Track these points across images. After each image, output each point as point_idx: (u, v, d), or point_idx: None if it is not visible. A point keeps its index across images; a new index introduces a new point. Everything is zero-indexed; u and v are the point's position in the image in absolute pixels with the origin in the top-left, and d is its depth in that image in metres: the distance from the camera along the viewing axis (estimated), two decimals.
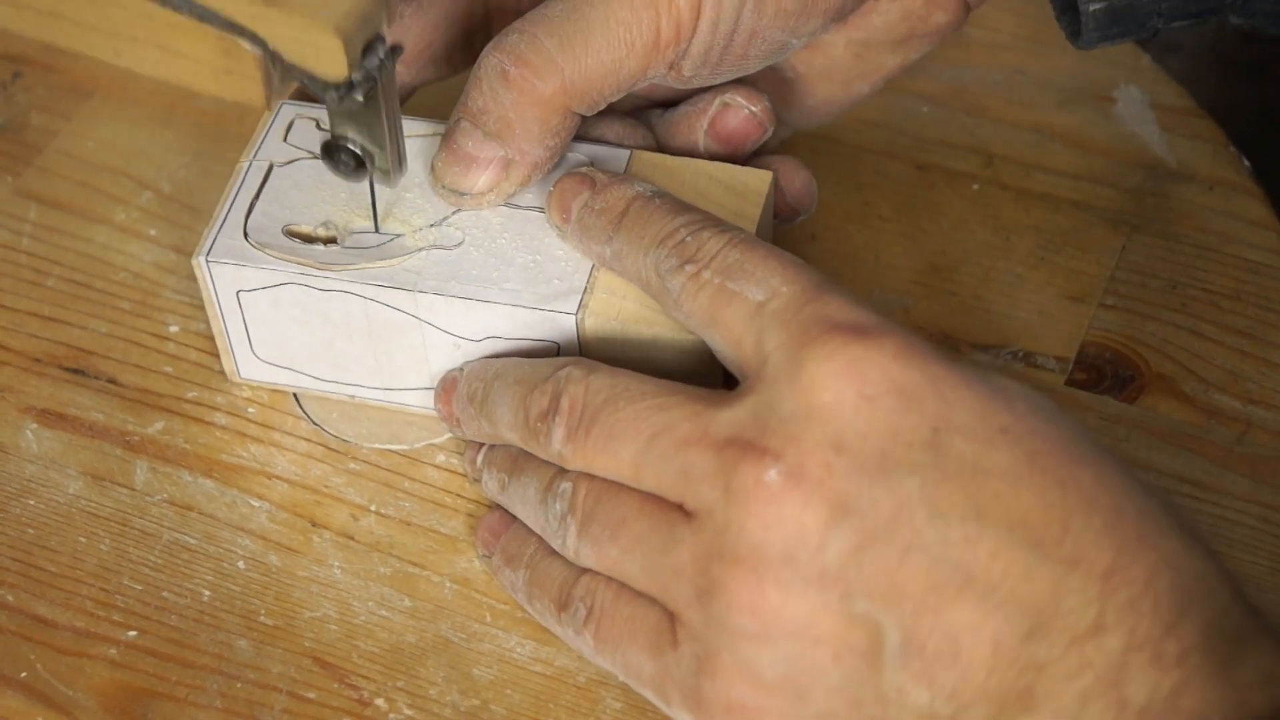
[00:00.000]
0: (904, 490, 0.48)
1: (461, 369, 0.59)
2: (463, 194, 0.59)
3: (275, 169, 0.61)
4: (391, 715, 0.56)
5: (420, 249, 0.59)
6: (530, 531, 0.57)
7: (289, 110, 0.63)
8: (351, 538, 0.61)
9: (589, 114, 0.59)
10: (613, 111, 0.62)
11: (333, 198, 0.60)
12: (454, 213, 0.60)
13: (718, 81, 0.60)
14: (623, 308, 0.57)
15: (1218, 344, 0.64)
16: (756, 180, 0.59)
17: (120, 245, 0.69)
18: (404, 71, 0.63)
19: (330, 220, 0.60)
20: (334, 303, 0.59)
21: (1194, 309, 0.65)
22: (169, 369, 0.65)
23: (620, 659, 0.54)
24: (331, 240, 0.59)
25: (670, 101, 0.63)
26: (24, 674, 0.58)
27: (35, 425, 0.64)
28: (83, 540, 0.61)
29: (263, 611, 0.59)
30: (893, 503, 0.48)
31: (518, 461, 0.57)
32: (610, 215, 0.57)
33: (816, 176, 0.65)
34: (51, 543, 0.61)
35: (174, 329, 0.66)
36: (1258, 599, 0.57)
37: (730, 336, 0.52)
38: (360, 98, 0.54)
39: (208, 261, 0.59)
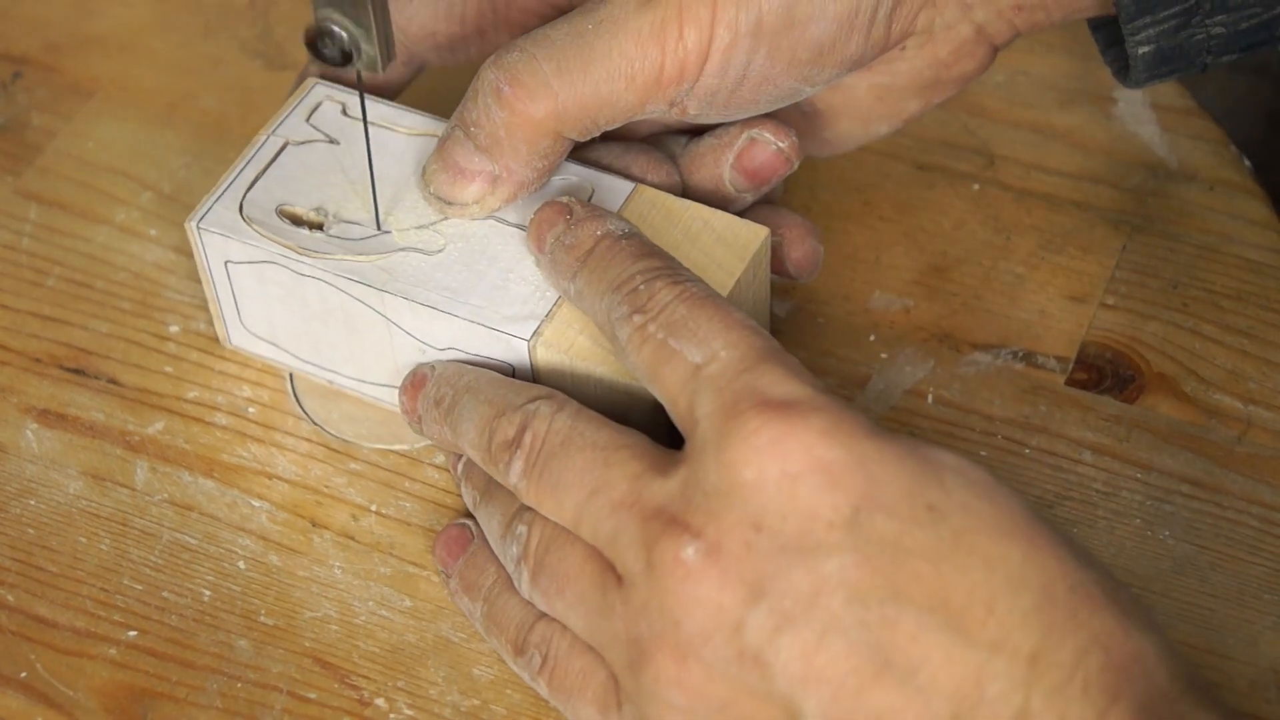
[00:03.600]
0: (822, 571, 0.47)
1: (434, 367, 0.58)
2: (449, 203, 0.59)
3: (289, 147, 0.61)
4: (392, 715, 0.56)
5: (401, 249, 0.59)
6: (489, 558, 0.57)
7: (320, 91, 0.63)
8: (352, 538, 0.60)
9: (582, 140, 0.58)
10: (640, 144, 0.61)
11: (333, 184, 0.60)
12: (442, 219, 0.60)
13: (727, 120, 0.59)
14: (576, 342, 0.56)
15: (1218, 344, 0.64)
16: (749, 235, 0.58)
17: (121, 245, 0.69)
18: (403, 52, 0.63)
19: (323, 206, 0.60)
20: (311, 288, 0.59)
21: (1195, 309, 0.65)
22: (169, 369, 0.65)
23: (573, 711, 0.53)
24: (318, 226, 0.60)
25: (696, 128, 0.62)
26: (24, 674, 0.58)
27: (35, 425, 0.64)
28: (83, 540, 0.61)
29: (263, 611, 0.59)
30: (811, 583, 0.47)
31: (489, 486, 0.57)
32: (578, 252, 0.56)
33: (818, 177, 0.65)
34: (52, 543, 0.61)
35: (174, 329, 0.66)
36: (1258, 599, 0.58)
37: (668, 395, 0.51)
38: None
39: (198, 228, 0.60)
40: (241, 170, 0.61)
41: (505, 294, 0.58)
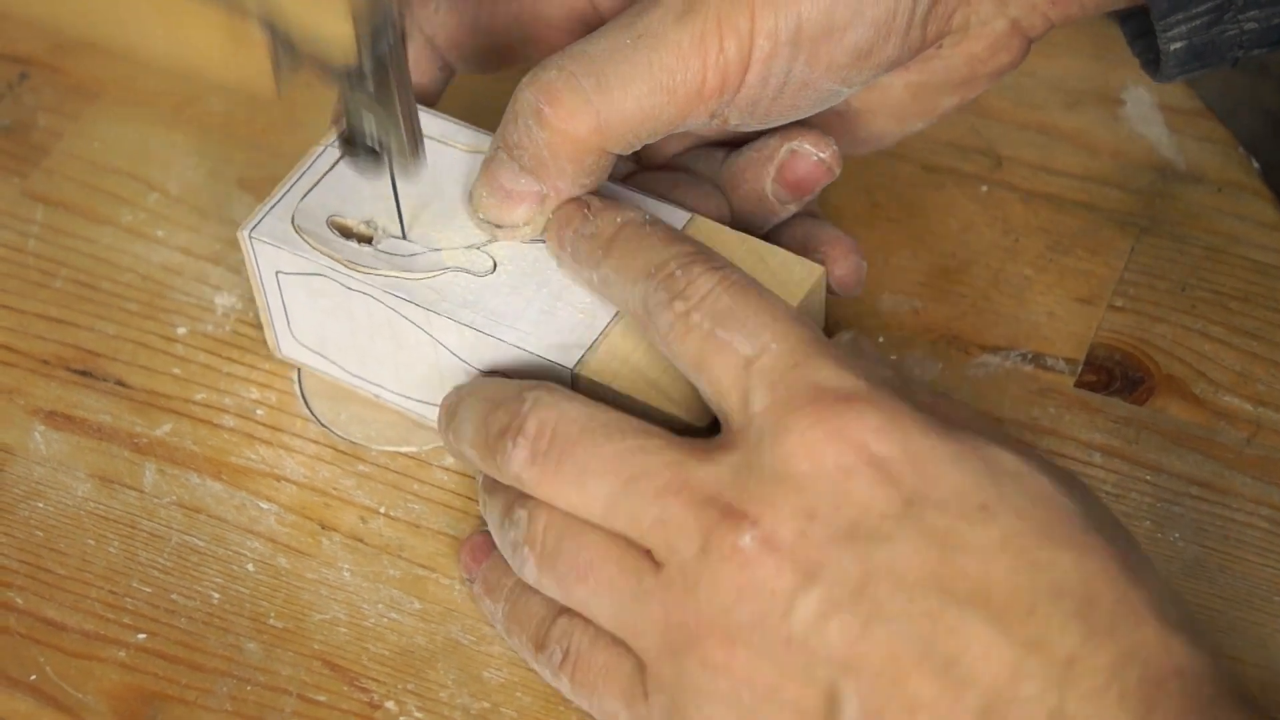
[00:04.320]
0: (872, 559, 0.48)
1: (458, 388, 0.58)
2: (499, 226, 0.58)
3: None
4: (402, 718, 0.56)
5: (449, 269, 0.59)
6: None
7: None
8: (361, 540, 0.60)
9: (625, 154, 0.57)
10: (688, 175, 0.61)
11: (386, 197, 0.60)
12: (494, 239, 0.59)
13: (767, 126, 0.59)
14: (620, 373, 0.56)
15: (1227, 345, 0.64)
16: (804, 272, 0.58)
17: (127, 246, 0.69)
18: (435, 59, 0.63)
19: (374, 219, 0.60)
20: (359, 302, 0.59)
21: (1203, 310, 0.65)
22: (177, 370, 0.65)
23: (596, 705, 0.53)
24: (367, 239, 0.59)
25: (732, 141, 0.62)
26: (33, 676, 0.58)
27: (43, 427, 0.64)
28: (91, 543, 0.61)
29: (272, 614, 0.59)
30: (860, 571, 0.48)
31: (494, 483, 0.56)
32: (600, 240, 0.56)
33: None
34: (60, 545, 0.61)
35: (182, 330, 0.66)
36: (1268, 601, 0.58)
37: (717, 387, 0.52)
38: (372, 87, 0.54)
39: (251, 237, 0.59)
40: (297, 180, 0.61)
41: (552, 320, 0.57)
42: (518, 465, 0.53)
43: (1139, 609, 0.47)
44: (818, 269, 0.58)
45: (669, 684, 0.51)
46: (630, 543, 0.52)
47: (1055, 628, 0.46)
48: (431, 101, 0.64)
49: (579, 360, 0.56)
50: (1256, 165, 0.69)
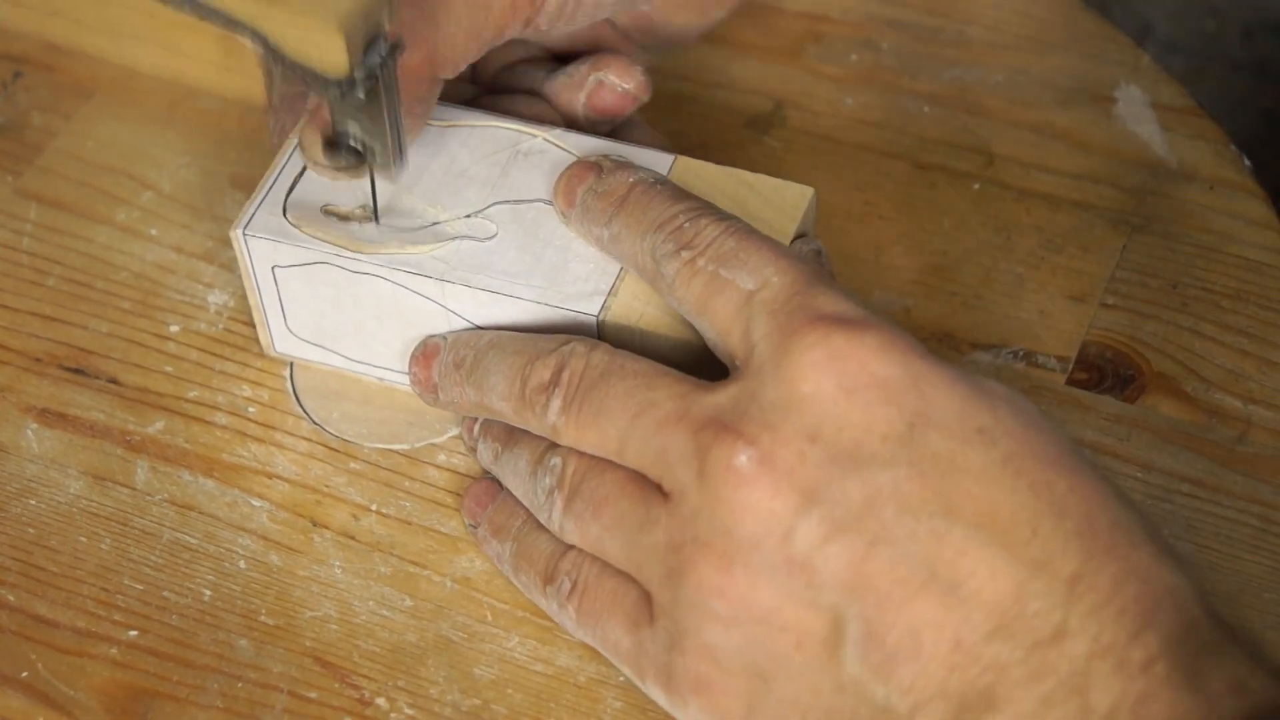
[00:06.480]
0: (875, 483, 0.48)
1: (445, 337, 0.59)
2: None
3: None
4: (393, 715, 0.56)
5: (453, 238, 0.59)
6: (518, 503, 0.57)
7: None
8: (352, 537, 0.61)
9: (452, 77, 0.59)
10: (527, 96, 0.63)
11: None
12: (491, 205, 0.60)
13: (576, 27, 0.61)
14: (645, 313, 0.57)
15: (1219, 343, 0.64)
16: (796, 195, 0.59)
17: (121, 245, 0.69)
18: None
19: (368, 204, 0.60)
20: (364, 285, 0.59)
21: (1195, 308, 0.65)
22: (169, 368, 0.65)
23: (600, 633, 0.54)
24: (368, 222, 0.60)
25: (556, 56, 0.65)
26: (25, 673, 0.58)
27: (36, 425, 0.64)
28: (83, 540, 0.61)
29: (263, 611, 0.59)
30: (863, 495, 0.48)
31: (512, 433, 0.58)
32: (611, 199, 0.57)
33: (817, 176, 0.65)
34: (52, 542, 0.61)
35: (174, 329, 0.66)
36: (1258, 599, 0.58)
37: (720, 324, 0.53)
38: (362, 95, 0.54)
39: (245, 235, 0.60)
40: (278, 175, 0.61)
41: (566, 273, 0.58)
42: (553, 415, 0.54)
43: (1133, 531, 0.48)
44: (808, 190, 0.59)
45: (670, 609, 0.51)
46: (645, 479, 0.53)
47: (1058, 548, 0.47)
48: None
49: (603, 306, 0.57)
50: (1248, 163, 0.69)
